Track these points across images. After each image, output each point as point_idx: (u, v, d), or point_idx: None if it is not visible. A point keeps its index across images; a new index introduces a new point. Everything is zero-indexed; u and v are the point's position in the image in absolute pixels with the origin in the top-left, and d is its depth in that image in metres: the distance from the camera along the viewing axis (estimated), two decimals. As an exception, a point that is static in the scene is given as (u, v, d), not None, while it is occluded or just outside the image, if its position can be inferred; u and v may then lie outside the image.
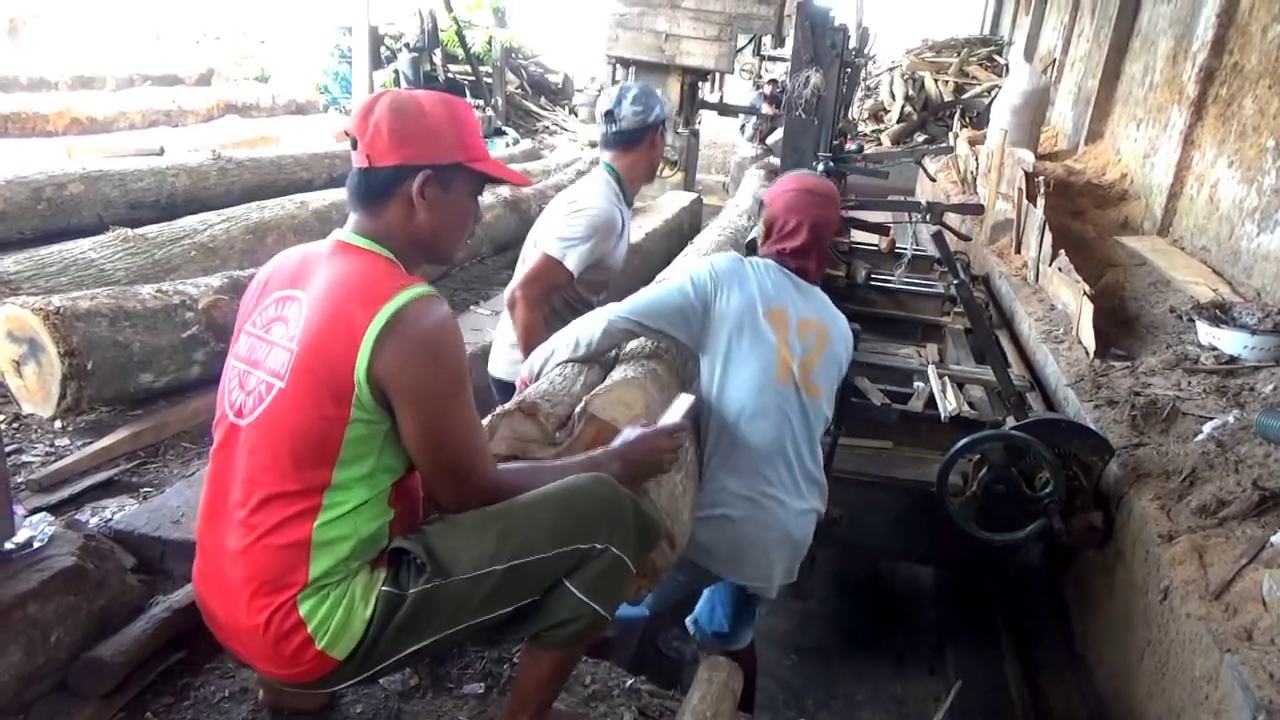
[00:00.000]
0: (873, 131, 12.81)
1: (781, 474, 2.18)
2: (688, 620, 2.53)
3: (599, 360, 2.26)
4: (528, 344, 2.42)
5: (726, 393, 2.15)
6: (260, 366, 1.48)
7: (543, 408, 1.87)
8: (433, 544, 1.47)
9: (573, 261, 2.49)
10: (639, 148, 2.65)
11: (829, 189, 2.41)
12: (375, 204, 1.52)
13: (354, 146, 1.53)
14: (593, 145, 10.21)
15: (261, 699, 1.80)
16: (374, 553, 1.47)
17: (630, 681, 2.00)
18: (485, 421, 1.77)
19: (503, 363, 2.70)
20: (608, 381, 2.04)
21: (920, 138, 12.46)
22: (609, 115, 2.64)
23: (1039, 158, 8.49)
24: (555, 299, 2.58)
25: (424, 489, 1.55)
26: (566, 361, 2.19)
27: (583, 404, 1.87)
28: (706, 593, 2.50)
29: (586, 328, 2.20)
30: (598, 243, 2.52)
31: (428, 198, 1.52)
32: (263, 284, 1.58)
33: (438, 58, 11.50)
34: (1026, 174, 6.40)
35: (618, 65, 7.44)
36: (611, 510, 1.56)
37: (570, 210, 2.55)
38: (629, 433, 1.77)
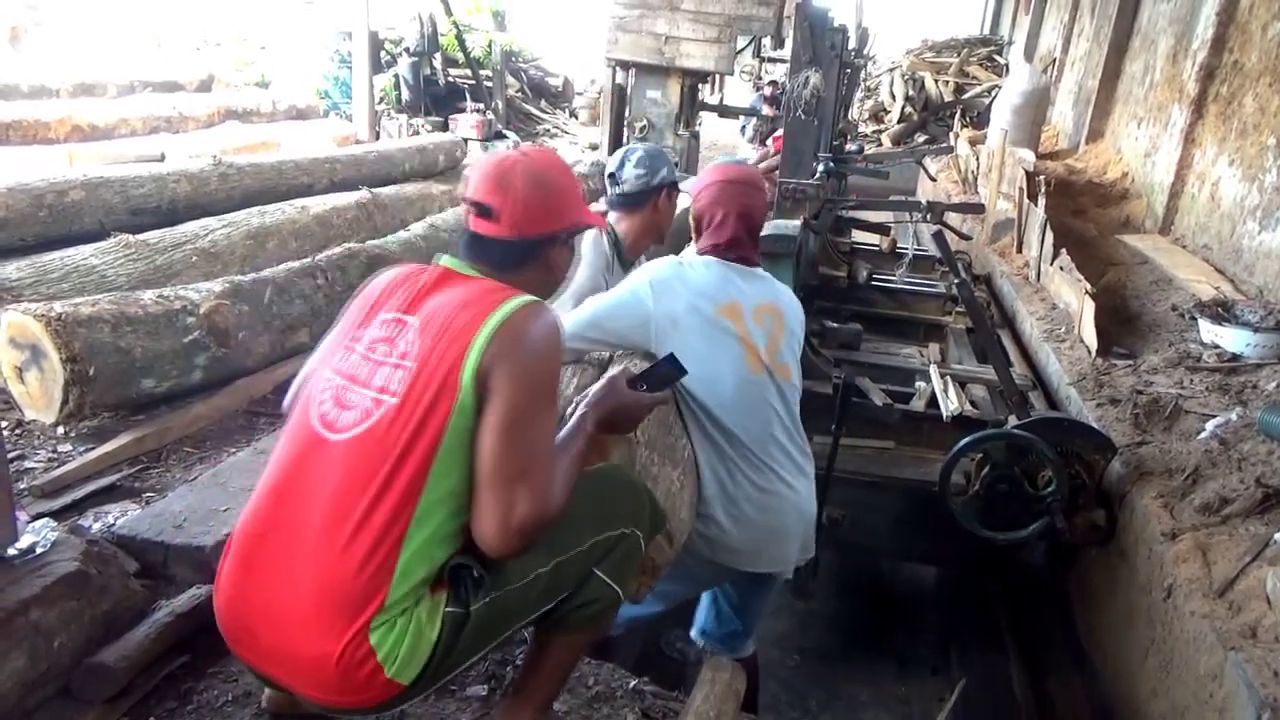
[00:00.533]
0: (873, 132, 12.80)
1: (781, 459, 2.21)
2: (693, 633, 2.53)
3: (594, 362, 2.26)
4: None
5: (700, 395, 2.15)
6: (366, 385, 1.46)
7: None
8: (486, 556, 1.47)
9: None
10: (643, 210, 2.67)
11: (752, 175, 2.43)
12: (514, 268, 1.58)
13: (482, 214, 1.58)
14: (593, 148, 10.22)
15: (265, 704, 1.80)
16: (435, 578, 1.45)
17: (633, 683, 2.00)
18: None
19: None
20: None
21: (921, 138, 12.45)
22: (612, 177, 2.66)
23: (1040, 157, 8.49)
24: None
25: (475, 513, 1.44)
26: None
27: (573, 408, 1.86)
28: (705, 600, 2.50)
29: None
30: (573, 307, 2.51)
31: (560, 255, 1.67)
32: (370, 304, 1.56)
33: (438, 62, 11.51)
34: (1027, 173, 6.40)
35: (618, 68, 7.44)
36: (632, 495, 1.65)
37: None
38: (610, 381, 1.77)
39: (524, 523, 1.41)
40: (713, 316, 2.16)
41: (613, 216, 2.71)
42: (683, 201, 2.63)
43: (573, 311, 2.20)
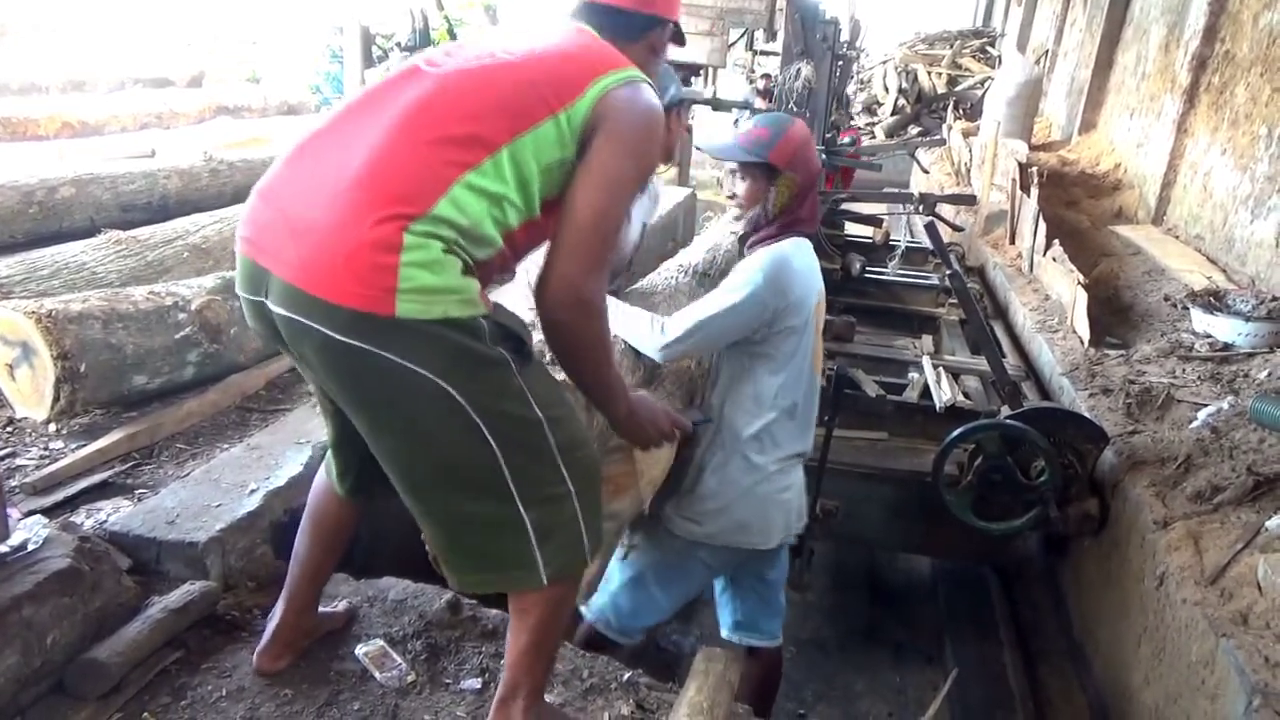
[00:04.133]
0: (866, 124, 12.80)
1: (798, 439, 2.28)
2: (726, 634, 2.51)
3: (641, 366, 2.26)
4: None
5: (764, 388, 2.17)
6: (471, 51, 1.54)
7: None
8: (527, 346, 1.51)
9: None
10: None
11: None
12: (623, 39, 1.64)
13: None
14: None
15: (255, 660, 1.84)
16: (470, 277, 1.41)
17: (628, 675, 2.00)
18: None
19: None
20: None
21: (914, 130, 12.44)
22: None
23: (1032, 148, 8.50)
24: None
25: (549, 254, 1.49)
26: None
27: None
28: (725, 599, 2.50)
29: (637, 344, 2.16)
30: None
31: (659, 43, 1.74)
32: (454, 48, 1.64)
33: (430, 56, 11.47)
34: (1020, 165, 6.40)
35: (610, 61, 7.43)
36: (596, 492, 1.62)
37: None
38: (648, 396, 1.81)
39: (580, 266, 1.45)
40: (809, 319, 2.17)
41: None
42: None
43: (679, 318, 2.13)
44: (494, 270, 1.51)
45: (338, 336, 1.35)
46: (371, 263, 1.32)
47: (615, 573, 2.36)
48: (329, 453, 1.80)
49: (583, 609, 2.37)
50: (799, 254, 2.18)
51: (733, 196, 2.23)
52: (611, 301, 2.18)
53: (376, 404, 1.45)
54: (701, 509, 2.22)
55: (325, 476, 1.84)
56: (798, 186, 2.18)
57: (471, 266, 1.43)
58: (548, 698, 1.82)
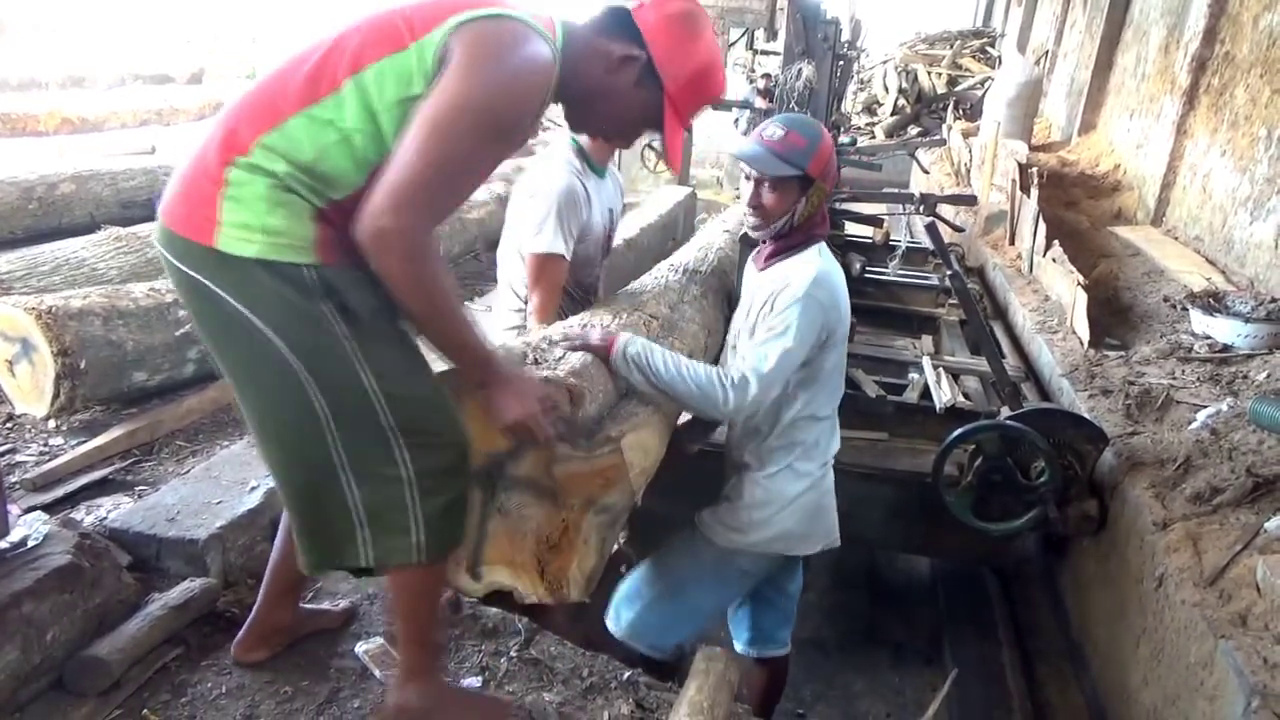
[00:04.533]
0: (866, 124, 12.79)
1: (834, 441, 2.31)
2: (741, 649, 2.49)
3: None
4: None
5: (811, 401, 2.17)
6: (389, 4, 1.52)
7: (585, 401, 1.77)
8: (365, 309, 1.45)
9: (559, 245, 2.41)
10: None
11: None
12: (591, 36, 1.56)
13: None
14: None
15: (232, 651, 1.86)
16: (317, 222, 1.40)
17: (628, 674, 2.01)
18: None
19: None
20: (643, 413, 1.93)
21: (914, 130, 12.43)
22: None
23: (1032, 149, 8.50)
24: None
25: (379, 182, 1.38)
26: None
27: (619, 431, 1.79)
28: (741, 614, 2.48)
29: (702, 408, 2.03)
30: (566, 216, 2.42)
31: (623, 73, 1.57)
32: None
33: (430, 54, 11.46)
34: (1020, 165, 6.41)
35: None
36: (456, 463, 1.54)
37: (529, 200, 2.48)
38: (529, 372, 1.71)
39: (397, 212, 1.34)
40: (845, 332, 2.17)
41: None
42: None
43: (750, 371, 1.99)
44: None
45: (177, 264, 1.43)
46: (199, 194, 1.40)
47: (644, 587, 2.32)
48: None
49: (609, 624, 2.32)
50: (829, 263, 2.14)
51: (758, 207, 2.09)
52: (669, 356, 1.98)
53: (217, 341, 1.48)
54: (747, 518, 2.20)
55: None
56: (825, 195, 2.13)
57: (326, 211, 1.41)
58: (548, 696, 1.83)
